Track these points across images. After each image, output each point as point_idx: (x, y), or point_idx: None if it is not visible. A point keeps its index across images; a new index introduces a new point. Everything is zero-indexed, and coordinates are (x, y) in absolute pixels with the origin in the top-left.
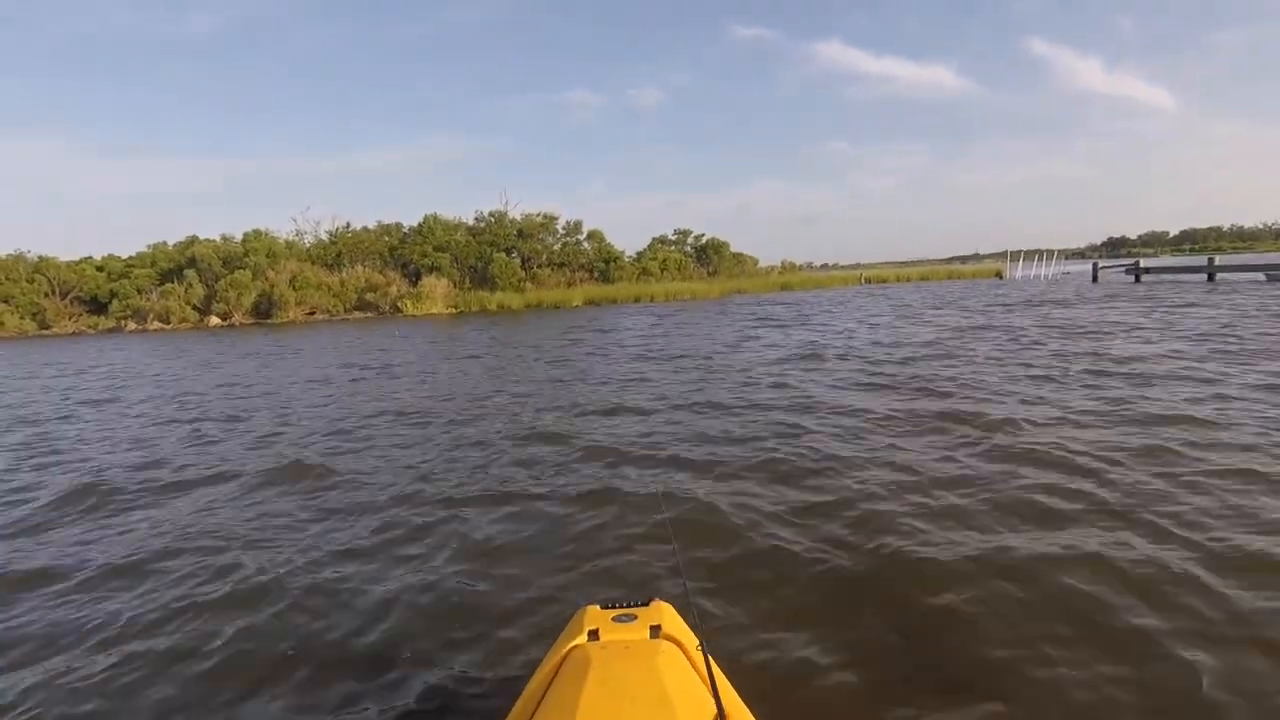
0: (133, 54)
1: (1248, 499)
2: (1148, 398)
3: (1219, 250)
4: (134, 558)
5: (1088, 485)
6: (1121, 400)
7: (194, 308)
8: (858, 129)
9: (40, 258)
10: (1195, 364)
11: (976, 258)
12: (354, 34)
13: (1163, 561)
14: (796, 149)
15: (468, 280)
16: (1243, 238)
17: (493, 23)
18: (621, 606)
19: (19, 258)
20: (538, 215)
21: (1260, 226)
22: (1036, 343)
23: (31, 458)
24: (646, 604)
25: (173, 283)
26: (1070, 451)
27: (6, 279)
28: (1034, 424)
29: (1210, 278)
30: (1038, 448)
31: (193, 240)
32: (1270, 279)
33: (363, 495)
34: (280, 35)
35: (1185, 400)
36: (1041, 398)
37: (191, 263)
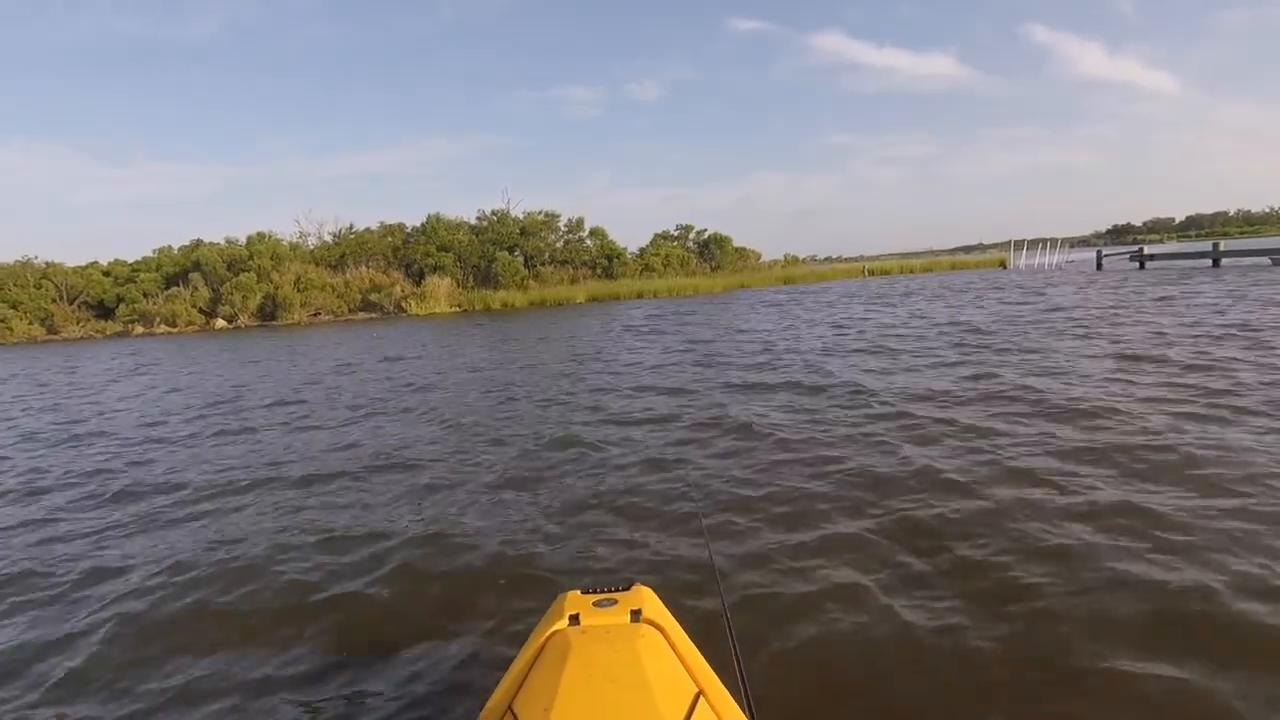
0: (132, 59)
1: None
2: None
3: (1225, 235)
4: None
5: None
6: None
7: (200, 310)
8: (859, 120)
9: (47, 263)
10: None
11: (981, 248)
12: (353, 35)
13: None
14: (797, 142)
15: (471, 279)
16: (1250, 222)
17: (492, 22)
18: (602, 591)
19: (26, 264)
20: (540, 213)
21: (1267, 211)
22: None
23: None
24: (627, 588)
25: (178, 286)
26: None
27: (14, 285)
28: None
29: (1215, 263)
30: None
31: (197, 244)
32: (1275, 262)
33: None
34: (280, 38)
35: None
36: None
37: (196, 266)
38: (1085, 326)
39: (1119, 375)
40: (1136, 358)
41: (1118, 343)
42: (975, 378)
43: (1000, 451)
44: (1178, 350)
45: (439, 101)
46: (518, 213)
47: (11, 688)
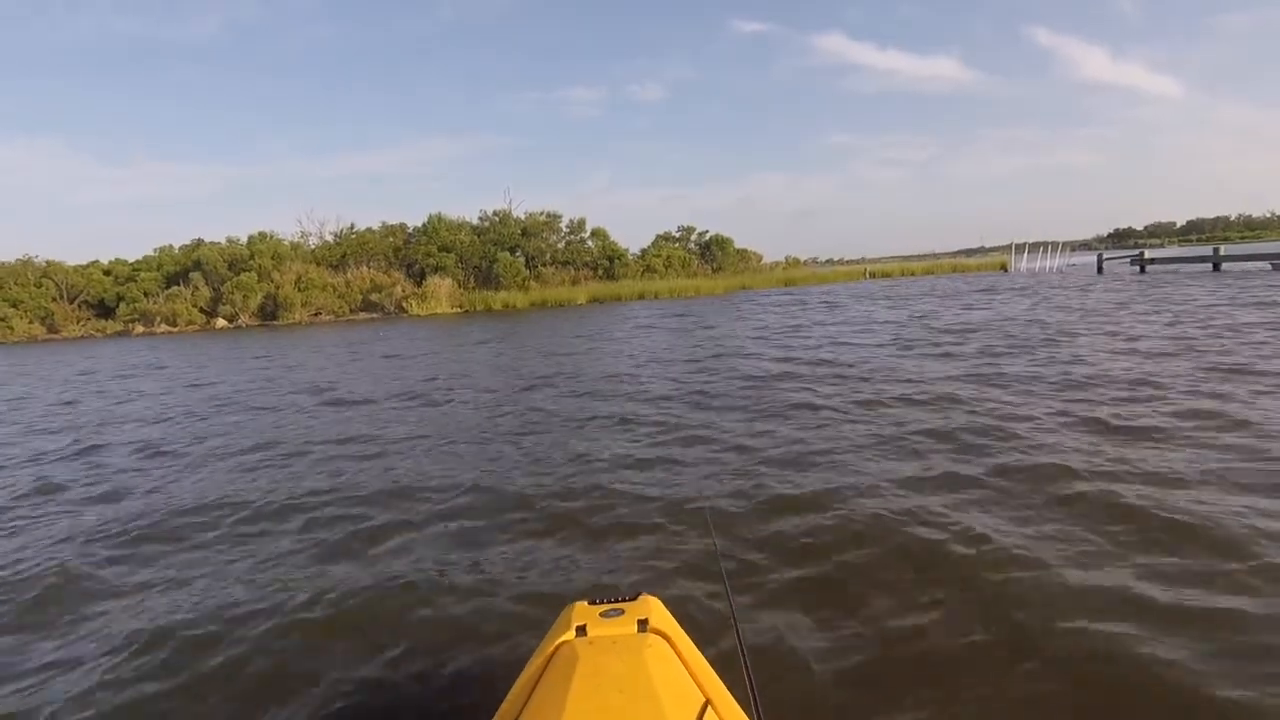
0: (132, 59)
1: None
2: None
3: (1226, 240)
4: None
5: None
6: None
7: (200, 310)
8: (861, 121)
9: (48, 262)
10: None
11: (982, 250)
12: (353, 35)
13: None
14: (798, 143)
15: (472, 280)
16: (1251, 227)
17: (492, 22)
18: (609, 601)
19: (27, 262)
20: (541, 214)
21: (1269, 216)
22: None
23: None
24: (634, 598)
25: (179, 285)
26: None
27: (15, 284)
28: None
29: (1215, 267)
30: None
31: (198, 243)
32: (1276, 268)
33: None
34: (280, 38)
35: None
36: None
37: (197, 265)
38: (1080, 328)
39: (1110, 372)
40: (1135, 352)
41: (1119, 340)
42: (979, 369)
43: (1017, 438)
44: (1178, 346)
45: (439, 101)
46: (519, 213)
47: None
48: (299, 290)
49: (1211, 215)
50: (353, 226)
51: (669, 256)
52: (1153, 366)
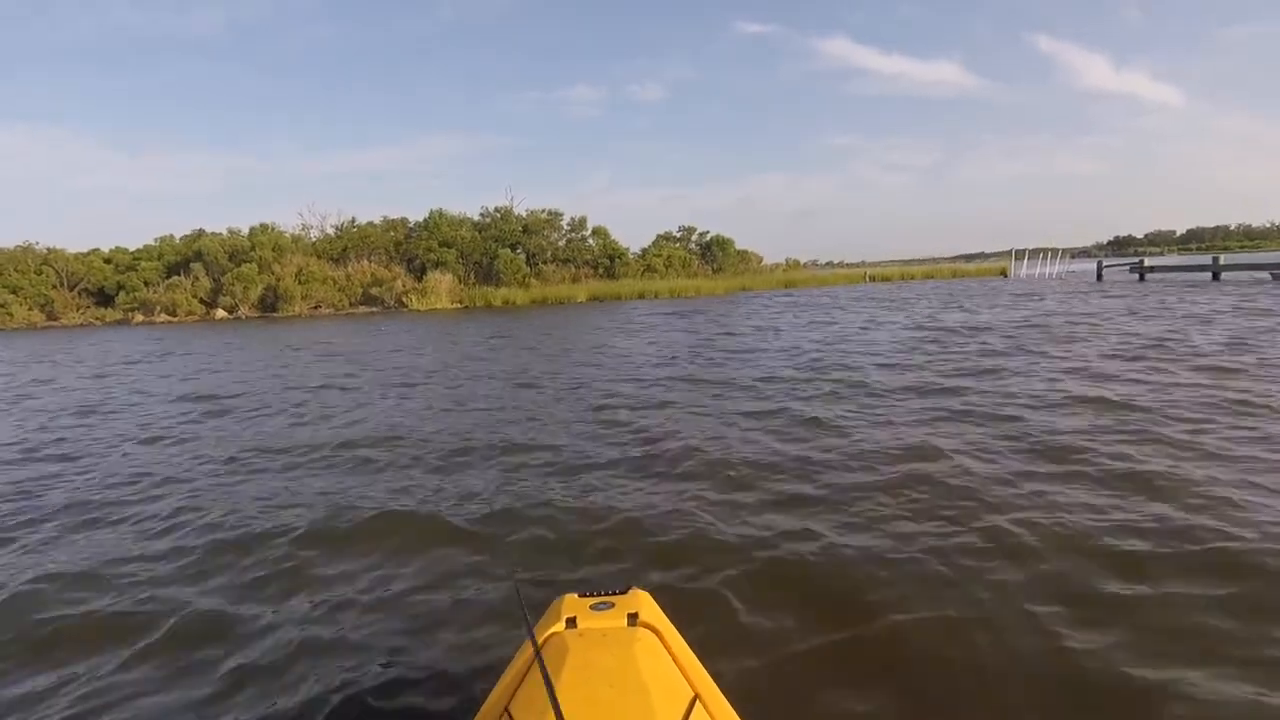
0: (134, 52)
1: None
2: None
3: (1226, 249)
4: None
5: None
6: None
7: (200, 301)
8: (862, 125)
9: (49, 249)
10: None
11: (982, 256)
12: (353, 35)
13: None
14: (799, 145)
15: (473, 276)
16: (1250, 236)
17: (492, 22)
18: (600, 594)
19: (27, 249)
20: (543, 212)
21: (1268, 225)
22: None
23: None
24: (624, 592)
25: (179, 275)
26: None
27: (15, 270)
28: None
29: (1215, 276)
30: None
31: (199, 234)
32: (1275, 278)
33: None
34: (282, 35)
35: None
36: None
37: (198, 256)
38: (1078, 332)
39: (1101, 369)
40: (1123, 355)
41: (1115, 341)
42: (980, 366)
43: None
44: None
45: (439, 101)
46: (521, 210)
47: None
48: (299, 283)
49: (1211, 224)
50: (354, 220)
51: (669, 256)
52: (1140, 366)
